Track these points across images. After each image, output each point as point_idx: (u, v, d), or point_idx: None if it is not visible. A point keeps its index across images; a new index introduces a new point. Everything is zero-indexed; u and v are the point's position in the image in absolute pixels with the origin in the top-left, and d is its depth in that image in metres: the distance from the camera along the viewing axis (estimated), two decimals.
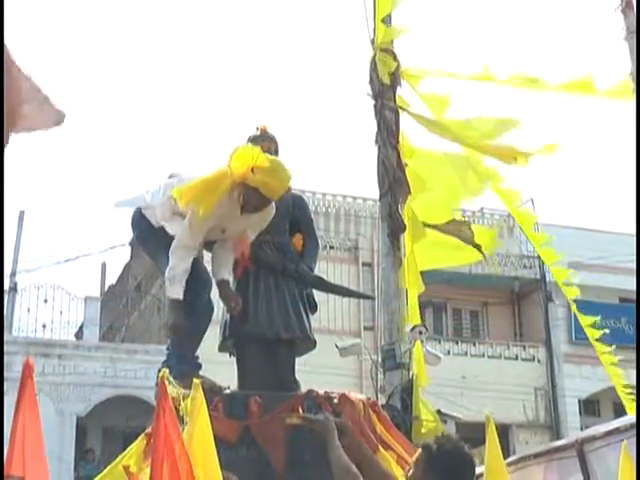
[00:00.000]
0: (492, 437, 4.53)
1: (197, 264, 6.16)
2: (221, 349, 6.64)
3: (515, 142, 8.03)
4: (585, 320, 8.18)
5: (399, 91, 8.49)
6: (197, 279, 6.12)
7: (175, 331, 6.14)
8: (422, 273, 8.43)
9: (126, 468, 5.36)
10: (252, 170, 5.78)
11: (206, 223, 5.94)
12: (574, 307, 8.28)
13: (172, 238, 6.04)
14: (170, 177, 6.37)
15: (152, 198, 6.26)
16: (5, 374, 20.07)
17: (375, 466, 4.77)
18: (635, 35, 7.57)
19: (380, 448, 5.75)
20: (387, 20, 8.45)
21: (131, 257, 28.32)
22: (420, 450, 4.17)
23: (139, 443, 5.56)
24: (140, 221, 6.30)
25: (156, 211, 6.17)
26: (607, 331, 8.45)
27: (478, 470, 4.25)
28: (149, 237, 6.30)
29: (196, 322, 6.13)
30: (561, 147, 7.79)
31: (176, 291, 5.98)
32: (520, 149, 8.00)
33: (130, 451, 5.57)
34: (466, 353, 24.99)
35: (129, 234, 6.52)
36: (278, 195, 6.03)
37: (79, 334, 25.04)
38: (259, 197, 5.90)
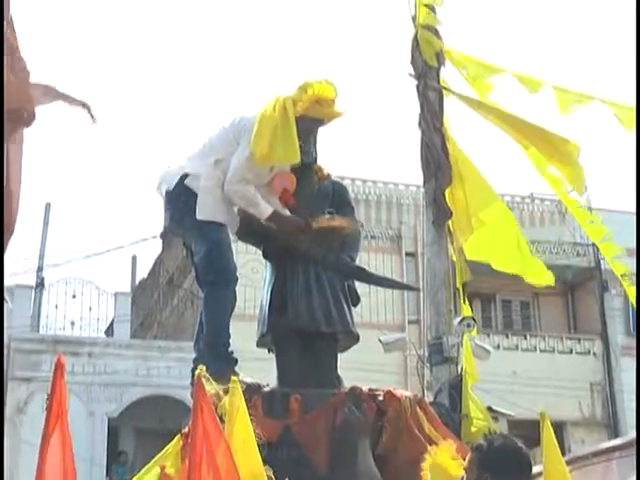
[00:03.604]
0: (549, 435, 4.50)
1: (231, 262, 6.25)
2: (259, 345, 6.66)
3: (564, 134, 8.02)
4: (633, 291, 8.09)
5: (443, 71, 8.46)
6: (226, 272, 6.20)
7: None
8: (469, 261, 8.40)
9: (162, 468, 5.40)
10: (317, 102, 6.19)
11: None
12: (626, 284, 8.20)
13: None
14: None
15: (198, 164, 6.30)
16: (32, 374, 20.39)
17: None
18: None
19: (428, 447, 5.74)
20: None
21: (163, 249, 28.43)
22: (471, 453, 4.14)
23: (175, 444, 5.60)
24: (180, 195, 6.32)
25: (201, 180, 6.23)
26: None
27: (534, 470, 4.23)
28: (187, 214, 6.28)
29: (224, 316, 6.20)
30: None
31: (264, 208, 6.24)
32: (571, 139, 7.97)
33: (166, 452, 5.61)
34: (517, 347, 24.86)
35: (160, 225, 6.56)
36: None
37: (109, 331, 25.17)
38: (317, 123, 6.38)
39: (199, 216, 6.18)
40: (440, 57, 8.34)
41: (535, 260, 8.71)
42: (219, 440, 4.18)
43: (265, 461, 4.47)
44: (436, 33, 8.38)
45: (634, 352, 24.48)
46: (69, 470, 4.72)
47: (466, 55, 8.43)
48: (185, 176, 6.29)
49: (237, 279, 6.29)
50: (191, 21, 55.34)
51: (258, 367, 7.66)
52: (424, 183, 8.32)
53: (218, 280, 6.21)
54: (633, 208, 8.86)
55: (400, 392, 6.16)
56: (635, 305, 7.85)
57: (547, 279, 8.49)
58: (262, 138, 6.07)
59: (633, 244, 8.61)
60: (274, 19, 52.92)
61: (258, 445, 4.29)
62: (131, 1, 52.15)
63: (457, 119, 8.47)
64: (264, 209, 6.27)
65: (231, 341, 6.26)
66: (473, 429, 7.17)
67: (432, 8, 8.38)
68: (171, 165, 6.58)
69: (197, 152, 6.44)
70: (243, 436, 4.30)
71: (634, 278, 8.33)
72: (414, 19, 8.45)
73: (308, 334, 6.38)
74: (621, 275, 8.21)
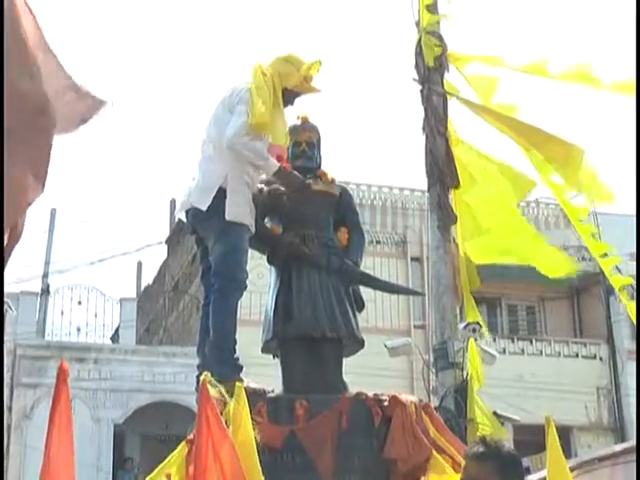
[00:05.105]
0: (553, 440, 4.49)
1: (244, 269, 6.26)
2: (264, 350, 6.66)
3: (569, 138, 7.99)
4: (632, 306, 8.10)
5: (447, 76, 8.46)
6: (237, 278, 6.20)
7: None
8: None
9: (168, 477, 5.39)
10: (305, 79, 6.46)
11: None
12: (624, 296, 8.21)
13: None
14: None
15: (218, 165, 6.34)
16: (38, 380, 20.40)
17: None
18: None
19: (434, 452, 5.74)
20: (433, 8, 8.43)
21: (168, 255, 28.44)
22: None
23: (180, 450, 5.59)
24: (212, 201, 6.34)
25: (228, 180, 6.30)
26: None
27: (539, 475, 4.22)
28: (214, 213, 6.29)
29: (231, 322, 6.20)
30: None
31: (272, 162, 6.35)
32: (574, 143, 7.94)
33: (171, 459, 5.59)
34: (523, 351, 24.82)
35: (165, 230, 6.56)
36: None
37: (115, 337, 25.19)
38: (296, 95, 6.60)
39: (228, 217, 6.19)
40: (443, 61, 8.34)
41: (554, 251, 8.66)
42: (223, 443, 4.18)
43: (270, 467, 4.47)
44: (439, 38, 8.38)
45: None
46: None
47: (468, 54, 8.43)
48: (218, 189, 6.29)
49: (246, 287, 6.30)
50: (192, 14, 55.41)
51: (263, 373, 7.66)
52: (429, 188, 8.32)
53: (228, 285, 6.22)
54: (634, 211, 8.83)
55: (405, 397, 6.14)
56: (635, 321, 7.84)
57: (567, 269, 8.46)
58: (259, 108, 6.19)
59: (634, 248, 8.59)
60: (279, 26, 52.97)
61: (261, 451, 4.28)
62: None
63: (466, 122, 8.48)
64: (273, 163, 6.34)
65: (236, 347, 6.26)
66: (478, 433, 7.16)
67: (435, 6, 8.39)
68: (193, 179, 6.59)
69: (211, 152, 6.44)
70: (245, 443, 4.30)
71: (633, 291, 8.33)
72: (418, 24, 8.46)
73: (313, 339, 6.38)
74: (619, 289, 8.21)
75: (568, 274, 8.47)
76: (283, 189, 6.48)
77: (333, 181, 6.92)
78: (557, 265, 8.54)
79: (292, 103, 6.63)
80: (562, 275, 8.48)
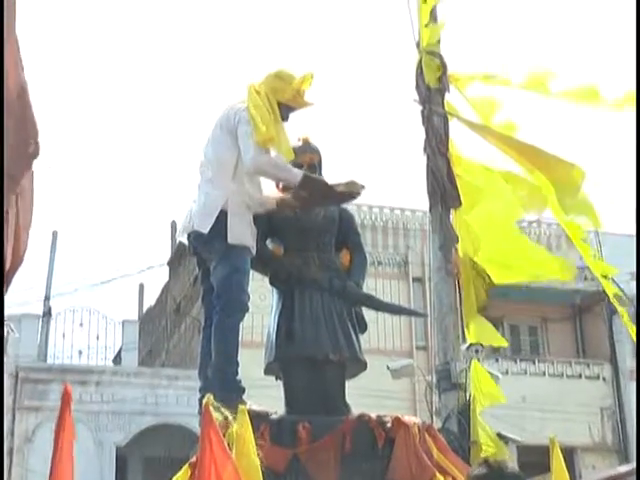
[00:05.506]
0: (558, 461, 4.49)
1: (246, 291, 6.27)
2: (267, 372, 6.65)
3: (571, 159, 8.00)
4: (634, 329, 8.13)
5: (447, 97, 8.47)
6: (238, 301, 6.21)
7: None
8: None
9: None
10: (298, 93, 6.50)
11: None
12: (625, 318, 8.24)
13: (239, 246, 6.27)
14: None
15: (215, 189, 6.36)
16: (40, 403, 20.37)
17: None
18: None
19: (437, 474, 5.72)
20: (432, 15, 8.44)
21: (170, 277, 28.42)
22: None
23: (183, 473, 5.57)
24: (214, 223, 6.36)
25: (228, 202, 6.31)
26: None
27: None
28: (216, 236, 6.30)
29: (233, 344, 6.19)
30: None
31: (296, 171, 6.39)
32: (575, 164, 7.95)
33: None
34: (525, 372, 24.77)
35: (167, 252, 6.59)
36: None
37: (117, 360, 25.15)
38: (291, 110, 6.61)
39: (230, 240, 6.21)
40: (444, 82, 8.35)
41: (552, 256, 8.68)
42: (226, 466, 4.17)
43: None
44: (440, 58, 8.40)
45: None
46: None
47: (469, 74, 8.45)
48: (220, 212, 6.30)
49: (248, 308, 6.31)
50: (191, 23, 55.55)
51: (265, 394, 7.65)
52: (430, 208, 8.31)
53: (230, 307, 6.22)
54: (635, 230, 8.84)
55: (408, 418, 6.14)
56: (636, 344, 7.86)
57: (567, 273, 8.50)
58: (261, 125, 6.25)
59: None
60: (279, 48, 53.13)
61: (264, 475, 4.27)
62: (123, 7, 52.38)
63: (468, 143, 8.49)
64: (297, 172, 6.39)
65: (239, 369, 6.25)
66: (482, 455, 7.13)
67: (433, 11, 8.40)
68: (193, 202, 6.62)
69: (210, 174, 6.46)
70: (249, 466, 4.29)
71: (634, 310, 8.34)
72: (418, 45, 8.48)
73: (316, 361, 6.37)
74: (623, 314, 8.24)
75: (568, 278, 8.52)
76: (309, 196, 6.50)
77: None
78: (558, 268, 8.56)
79: (287, 119, 6.63)
80: (564, 278, 8.53)
